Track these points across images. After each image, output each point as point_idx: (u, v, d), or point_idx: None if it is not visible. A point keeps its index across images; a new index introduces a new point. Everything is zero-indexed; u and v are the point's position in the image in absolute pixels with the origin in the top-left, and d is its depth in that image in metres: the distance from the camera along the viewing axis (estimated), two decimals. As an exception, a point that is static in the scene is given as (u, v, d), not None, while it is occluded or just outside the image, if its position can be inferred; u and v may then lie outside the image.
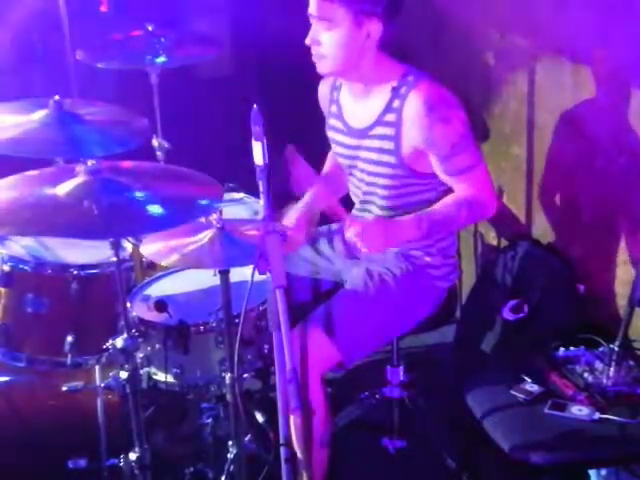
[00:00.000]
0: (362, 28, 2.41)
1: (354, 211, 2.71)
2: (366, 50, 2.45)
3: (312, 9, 2.43)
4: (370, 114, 2.53)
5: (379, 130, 2.51)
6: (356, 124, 2.58)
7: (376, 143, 2.52)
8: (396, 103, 2.47)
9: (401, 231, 2.45)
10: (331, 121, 2.67)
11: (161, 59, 3.32)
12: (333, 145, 2.68)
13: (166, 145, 3.37)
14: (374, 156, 2.53)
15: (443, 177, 2.50)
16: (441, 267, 2.65)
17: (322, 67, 2.49)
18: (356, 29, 2.41)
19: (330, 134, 2.68)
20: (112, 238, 2.30)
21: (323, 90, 2.71)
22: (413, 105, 2.44)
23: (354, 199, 2.71)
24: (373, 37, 2.43)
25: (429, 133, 2.42)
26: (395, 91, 2.48)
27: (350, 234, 2.40)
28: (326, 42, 2.43)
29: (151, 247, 2.43)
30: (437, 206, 2.50)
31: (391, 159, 2.50)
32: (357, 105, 2.58)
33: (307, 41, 2.46)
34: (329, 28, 2.41)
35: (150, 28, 3.35)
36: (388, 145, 2.49)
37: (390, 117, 2.49)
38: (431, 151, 2.46)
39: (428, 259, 2.63)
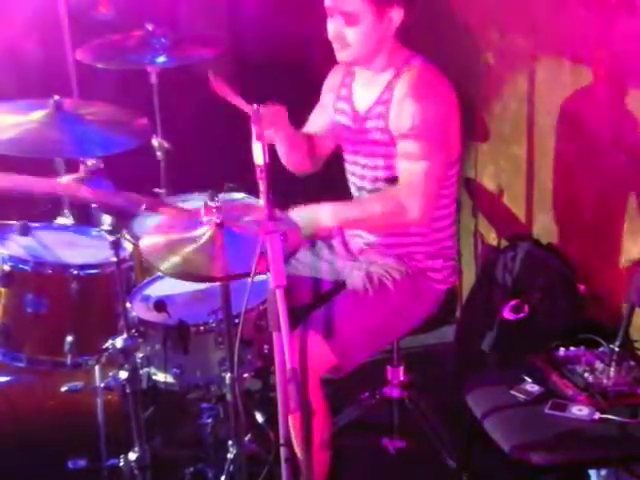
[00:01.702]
0: (384, 17, 2.42)
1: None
2: (387, 37, 2.48)
3: (330, 2, 2.43)
4: (372, 95, 2.55)
5: (376, 109, 2.53)
6: (360, 107, 2.60)
7: (374, 123, 2.54)
8: (393, 83, 2.50)
9: (317, 217, 2.46)
10: (339, 104, 2.68)
11: (161, 59, 3.31)
12: (339, 129, 2.68)
13: (166, 145, 3.37)
14: (373, 136, 2.55)
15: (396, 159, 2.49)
16: (442, 270, 2.65)
17: (343, 56, 2.50)
18: (379, 19, 2.42)
19: (337, 117, 2.69)
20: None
21: (335, 75, 2.71)
22: (402, 84, 2.47)
23: (353, 186, 2.71)
24: (395, 23, 2.45)
25: (399, 106, 2.44)
26: (396, 72, 2.50)
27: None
28: (350, 36, 2.44)
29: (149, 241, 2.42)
30: (360, 199, 2.53)
31: (385, 137, 2.51)
32: (365, 89, 2.60)
33: (330, 37, 2.46)
34: (352, 23, 2.42)
35: (150, 28, 3.35)
36: (381, 124, 2.51)
37: (386, 95, 2.51)
38: (394, 127, 2.45)
39: (429, 262, 2.63)
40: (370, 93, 2.56)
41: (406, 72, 2.48)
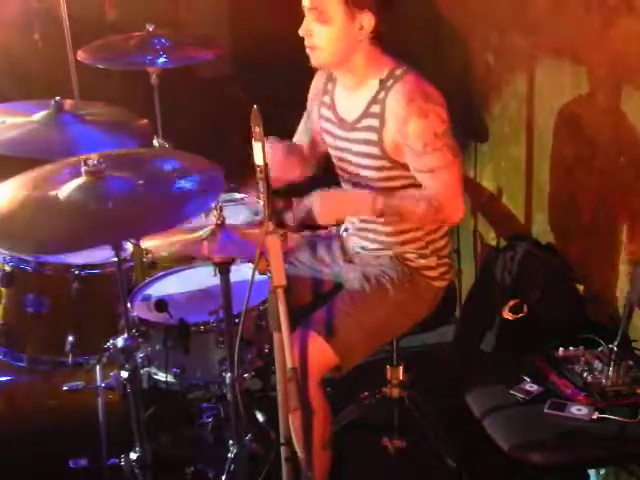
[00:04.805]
0: (355, 21, 2.42)
1: None
2: (359, 43, 2.46)
3: (305, 1, 2.44)
4: (358, 106, 2.54)
5: (365, 122, 2.52)
6: (346, 116, 2.59)
7: (363, 135, 2.53)
8: (381, 95, 2.48)
9: (353, 204, 2.50)
10: (322, 111, 2.68)
11: (161, 59, 3.32)
12: (324, 135, 2.68)
13: (166, 145, 3.37)
14: (360, 148, 2.54)
15: (414, 172, 2.50)
16: (437, 267, 2.65)
17: (315, 59, 2.49)
18: (349, 22, 2.42)
19: (322, 123, 2.69)
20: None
21: (318, 80, 2.71)
22: (395, 97, 2.45)
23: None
24: (366, 30, 2.44)
25: (404, 126, 2.42)
26: (382, 83, 2.49)
27: (303, 205, 2.44)
28: (319, 34, 2.44)
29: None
30: (398, 192, 2.50)
31: (376, 151, 2.51)
32: (348, 97, 2.59)
33: (300, 32, 2.47)
34: (322, 21, 2.42)
35: (150, 29, 3.36)
36: (373, 136, 2.50)
37: (375, 108, 2.49)
38: (405, 144, 2.45)
39: (423, 261, 2.63)
40: (356, 102, 2.55)
41: (394, 85, 2.46)
